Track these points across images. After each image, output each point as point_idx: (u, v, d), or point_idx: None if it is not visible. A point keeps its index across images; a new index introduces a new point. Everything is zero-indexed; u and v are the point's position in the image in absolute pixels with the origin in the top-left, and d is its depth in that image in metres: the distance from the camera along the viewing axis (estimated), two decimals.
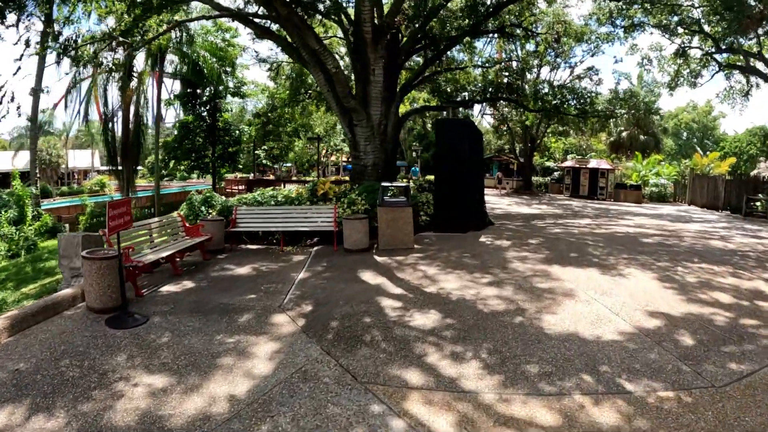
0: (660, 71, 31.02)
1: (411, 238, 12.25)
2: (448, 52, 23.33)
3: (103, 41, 16.25)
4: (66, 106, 28.32)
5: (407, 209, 12.30)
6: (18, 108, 13.25)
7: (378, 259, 10.82)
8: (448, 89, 23.94)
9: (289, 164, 60.44)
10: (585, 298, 7.74)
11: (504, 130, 37.55)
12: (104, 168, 53.50)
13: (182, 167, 33.31)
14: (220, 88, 31.81)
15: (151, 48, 25.87)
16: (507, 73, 24.39)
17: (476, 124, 26.55)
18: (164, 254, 9.45)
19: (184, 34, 28.00)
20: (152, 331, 6.42)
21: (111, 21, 17.12)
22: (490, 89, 23.23)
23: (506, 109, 36.51)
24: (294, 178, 45.66)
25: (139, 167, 37.63)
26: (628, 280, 8.89)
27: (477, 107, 33.63)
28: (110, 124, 28.33)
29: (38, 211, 26.17)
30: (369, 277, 9.35)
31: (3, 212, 22.01)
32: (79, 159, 51.05)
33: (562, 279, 8.95)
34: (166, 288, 8.56)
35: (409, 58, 21.59)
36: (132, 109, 28.45)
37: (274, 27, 18.41)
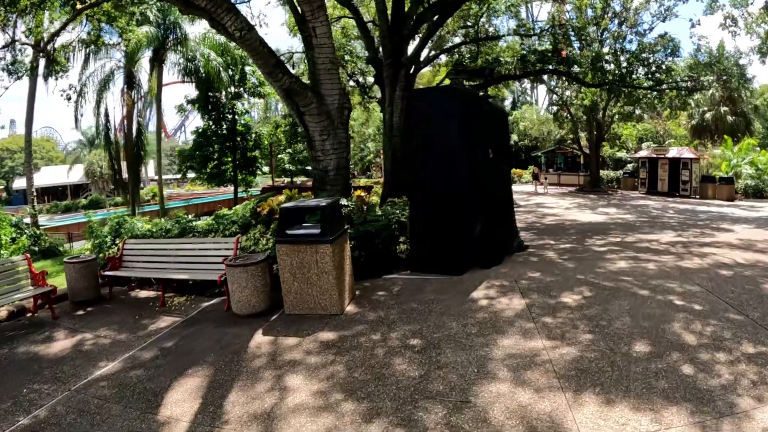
0: (748, 32, 22.48)
1: (337, 298, 6.73)
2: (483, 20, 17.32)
3: None
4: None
5: (326, 248, 6.58)
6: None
7: (259, 340, 6.04)
8: (479, 62, 17.62)
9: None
10: None
11: (565, 116, 30.11)
12: (156, 177, 51.53)
13: (203, 176, 29.03)
14: (238, 89, 27.33)
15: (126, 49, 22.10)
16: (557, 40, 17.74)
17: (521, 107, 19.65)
18: None
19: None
20: None
21: None
22: (533, 57, 16.58)
23: (568, 92, 29.34)
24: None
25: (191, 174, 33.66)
26: None
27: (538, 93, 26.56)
28: (111, 135, 24.84)
29: (33, 231, 22.99)
30: (188, 395, 4.83)
31: None
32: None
33: None
34: None
35: (420, 25, 15.69)
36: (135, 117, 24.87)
37: None
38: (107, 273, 8.79)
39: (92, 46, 20.89)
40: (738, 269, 7.87)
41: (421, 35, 16.01)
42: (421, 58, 17.81)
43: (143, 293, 8.77)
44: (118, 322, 7.17)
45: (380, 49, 15.95)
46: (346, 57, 20.59)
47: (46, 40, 16.52)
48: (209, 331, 6.41)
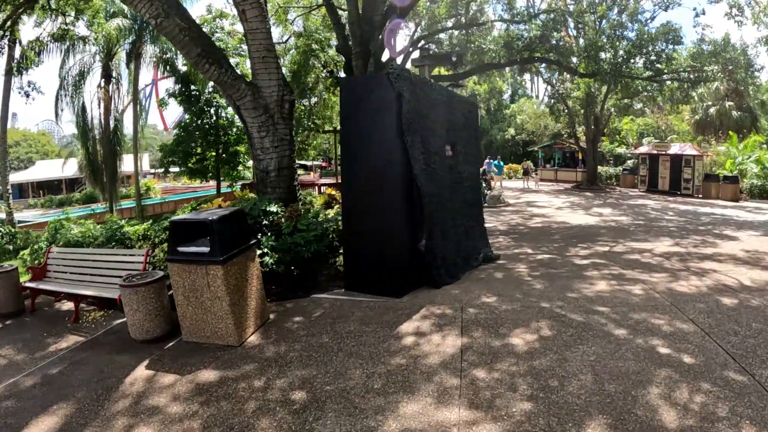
0: (755, 23, 20.38)
1: (234, 328, 5.40)
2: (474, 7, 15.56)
3: None
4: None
5: (217, 270, 5.26)
6: None
7: (138, 374, 4.88)
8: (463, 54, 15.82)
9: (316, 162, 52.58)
10: None
11: (562, 109, 28.16)
12: (153, 171, 50.10)
13: (185, 171, 27.45)
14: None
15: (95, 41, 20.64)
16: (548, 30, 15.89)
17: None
18: None
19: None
20: None
21: None
22: (519, 44, 14.77)
23: (567, 84, 27.43)
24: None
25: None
26: None
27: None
28: (88, 129, 23.37)
29: (8, 229, 21.66)
30: None
31: None
32: (128, 163, 47.54)
33: None
34: None
35: (394, 12, 13.97)
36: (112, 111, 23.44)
37: None
38: (27, 284, 7.81)
39: (65, 41, 19.64)
40: (744, 296, 6.11)
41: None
42: (398, 48, 16.14)
43: (68, 305, 7.63)
44: (25, 340, 6.34)
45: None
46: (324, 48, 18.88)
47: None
48: (99, 358, 5.36)
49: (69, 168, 39.63)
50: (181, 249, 5.52)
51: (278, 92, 8.96)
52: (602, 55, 15.67)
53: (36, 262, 9.38)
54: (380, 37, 13.18)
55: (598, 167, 29.48)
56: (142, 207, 24.72)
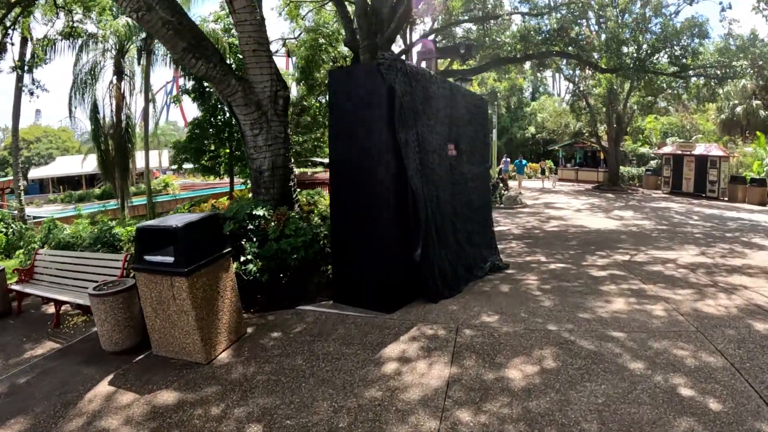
0: None
1: (201, 344, 4.88)
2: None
3: None
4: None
5: (181, 282, 4.79)
6: None
7: (99, 390, 4.50)
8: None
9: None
10: None
11: (583, 107, 27.02)
12: (173, 168, 50.06)
13: (198, 168, 27.18)
14: None
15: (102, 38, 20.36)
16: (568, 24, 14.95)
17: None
18: None
19: None
20: None
21: None
22: (536, 37, 13.89)
23: (589, 81, 26.32)
24: None
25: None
26: None
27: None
28: (100, 126, 23.14)
29: (19, 225, 21.61)
30: None
31: None
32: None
33: None
34: None
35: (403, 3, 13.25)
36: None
37: None
38: (12, 287, 7.60)
39: (74, 39, 19.41)
40: None
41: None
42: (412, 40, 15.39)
43: (53, 309, 7.14)
44: (2, 344, 6.12)
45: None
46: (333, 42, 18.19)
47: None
48: (67, 369, 5.02)
49: (88, 164, 39.76)
50: (147, 257, 5.03)
51: (271, 88, 8.36)
52: (624, 49, 14.69)
53: (29, 262, 9.06)
54: (388, 30, 12.44)
55: (620, 167, 28.27)
56: (153, 204, 24.41)
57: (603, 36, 15.29)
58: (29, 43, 18.39)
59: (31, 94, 15.57)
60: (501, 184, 21.64)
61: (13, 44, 14.79)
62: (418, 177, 5.94)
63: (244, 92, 8.22)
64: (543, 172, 30.12)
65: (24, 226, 21.34)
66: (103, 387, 4.47)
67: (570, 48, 14.25)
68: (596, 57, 15.71)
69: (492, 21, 17.32)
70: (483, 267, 7.88)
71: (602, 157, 30.64)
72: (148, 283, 4.99)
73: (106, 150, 23.68)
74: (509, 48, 14.93)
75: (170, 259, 4.87)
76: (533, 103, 47.02)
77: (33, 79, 16.65)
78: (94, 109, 23.02)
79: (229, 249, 5.62)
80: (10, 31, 14.69)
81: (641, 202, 20.59)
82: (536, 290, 6.73)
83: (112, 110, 23.42)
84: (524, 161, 28.54)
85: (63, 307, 6.97)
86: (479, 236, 8.32)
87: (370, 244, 6.03)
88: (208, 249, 5.15)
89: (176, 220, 5.20)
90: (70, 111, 23.97)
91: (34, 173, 46.10)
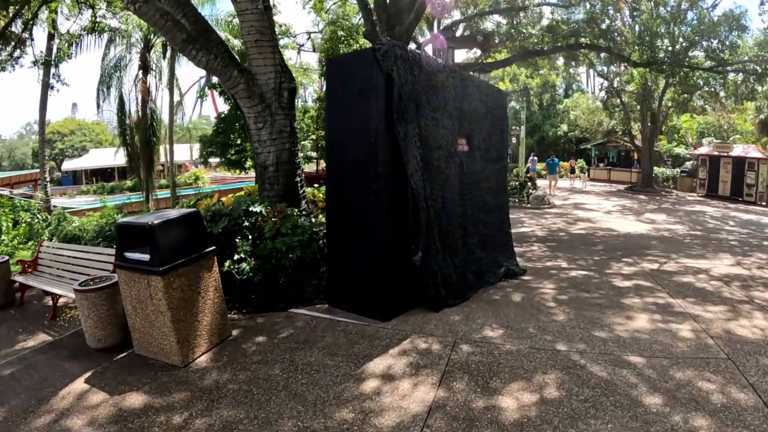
0: None
1: (177, 347, 4.62)
2: None
3: None
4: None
5: (157, 281, 4.54)
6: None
7: (74, 387, 4.37)
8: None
9: None
10: None
11: (616, 105, 25.82)
12: (200, 161, 50.60)
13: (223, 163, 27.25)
14: None
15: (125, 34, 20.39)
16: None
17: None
18: None
19: None
20: None
21: None
22: (564, 28, 13.08)
23: (622, 76, 25.13)
24: None
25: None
26: None
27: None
28: (126, 120, 23.28)
29: (44, 216, 21.97)
30: None
31: None
32: (178, 153, 48.31)
33: None
34: None
35: None
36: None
37: None
38: (14, 278, 7.56)
39: (98, 34, 19.51)
40: None
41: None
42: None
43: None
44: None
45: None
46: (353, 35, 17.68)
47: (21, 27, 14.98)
48: (51, 364, 4.94)
49: (120, 156, 40.44)
50: (127, 254, 4.78)
51: (275, 79, 7.94)
52: (658, 42, 13.71)
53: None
54: (407, 21, 11.89)
55: (654, 168, 26.98)
56: (177, 197, 24.46)
57: (636, 28, 14.33)
58: (55, 38, 18.53)
59: (51, 88, 15.59)
60: (529, 183, 20.89)
61: (32, 39, 14.82)
62: (418, 174, 5.40)
63: (246, 84, 7.84)
64: (572, 171, 28.99)
65: (49, 216, 21.66)
66: (79, 384, 4.35)
67: (600, 41, 13.37)
68: (628, 50, 14.77)
69: (521, 13, 16.57)
70: (496, 273, 7.29)
71: (636, 157, 29.36)
72: (128, 280, 4.79)
73: (132, 143, 23.85)
74: (536, 40, 14.13)
75: (147, 257, 4.61)
76: (566, 101, 45.63)
77: (53, 74, 16.72)
78: (120, 104, 23.19)
79: (212, 248, 5.25)
80: (30, 27, 14.74)
81: (675, 205, 19.51)
82: (551, 301, 6.11)
83: (137, 104, 23.55)
84: (557, 160, 26.20)
85: (62, 300, 6.90)
86: (493, 240, 7.71)
87: (366, 247, 5.53)
88: (188, 247, 4.86)
89: (154, 217, 4.92)
90: (98, 105, 24.26)
91: (68, 165, 47.17)
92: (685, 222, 14.27)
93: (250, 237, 6.86)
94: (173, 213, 5.09)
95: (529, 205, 18.94)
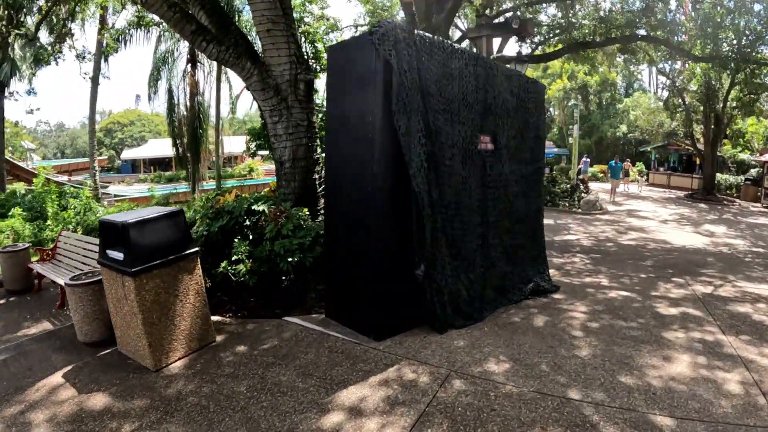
0: None
1: (149, 350, 4.37)
2: None
3: None
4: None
5: (129, 282, 4.28)
6: None
7: (48, 382, 4.28)
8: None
9: None
10: None
11: (678, 105, 23.81)
12: (261, 154, 51.37)
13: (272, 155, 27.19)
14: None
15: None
16: None
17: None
18: None
19: None
20: None
21: None
22: (619, 18, 11.84)
23: (685, 73, 23.11)
24: None
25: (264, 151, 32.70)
26: None
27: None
28: (174, 113, 23.62)
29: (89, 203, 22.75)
30: None
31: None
32: (234, 145, 49.07)
33: None
34: None
35: None
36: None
37: None
38: (30, 265, 7.75)
39: (142, 28, 19.79)
40: None
41: None
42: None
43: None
44: (6, 320, 6.27)
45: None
46: None
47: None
48: (40, 354, 4.92)
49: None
50: (109, 252, 4.58)
51: (291, 71, 7.41)
52: (722, 35, 12.21)
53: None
54: (445, 10, 11.08)
55: (717, 174, 24.74)
56: (221, 189, 24.65)
57: (698, 19, 12.84)
58: (104, 33, 18.89)
59: (95, 82, 15.88)
60: (582, 186, 19.63)
61: (73, 35, 15.12)
62: (422, 176, 4.65)
63: (260, 76, 7.40)
64: (627, 174, 27.14)
65: (94, 205, 22.24)
66: (56, 378, 4.28)
67: (658, 32, 12.02)
68: (689, 44, 13.31)
69: (577, 5, 15.34)
70: (522, 290, 6.41)
71: (698, 162, 27.12)
72: (108, 278, 4.65)
73: (180, 135, 24.18)
74: (588, 31, 12.92)
75: (120, 255, 4.40)
76: (626, 100, 43.12)
77: (85, 74, 17.20)
78: (170, 97, 23.53)
79: (194, 249, 4.82)
80: (70, 22, 15.02)
81: (737, 216, 17.66)
82: (578, 329, 5.21)
83: (186, 97, 23.81)
84: (620, 163, 23.60)
85: None
86: (523, 251, 6.83)
87: (362, 256, 4.86)
88: (165, 248, 4.53)
89: (132, 215, 4.62)
90: (149, 97, 24.78)
91: (127, 154, 48.94)
92: (746, 236, 12.73)
93: (250, 237, 6.37)
94: (151, 211, 4.79)
95: (579, 210, 17.73)
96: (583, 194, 19.09)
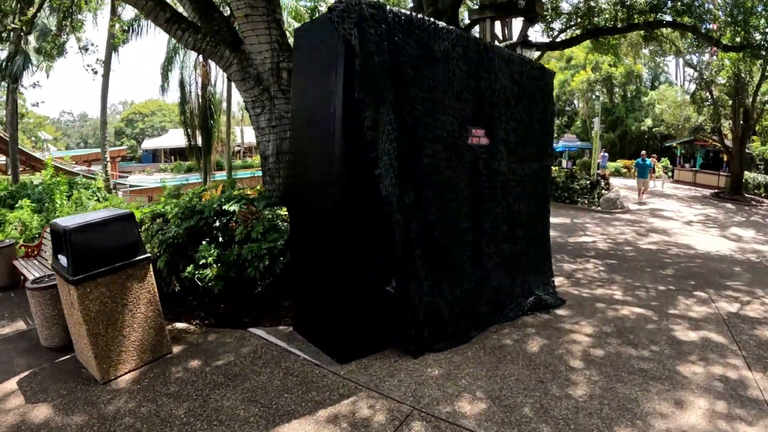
0: None
1: (95, 362, 3.98)
2: None
3: None
4: None
5: (73, 290, 3.87)
6: None
7: (1, 387, 4.02)
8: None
9: None
10: None
11: (705, 99, 22.47)
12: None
13: None
14: None
15: None
16: None
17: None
18: None
19: None
20: None
21: None
22: (641, 1, 10.86)
23: (713, 65, 21.72)
24: None
25: None
26: None
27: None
28: (186, 103, 23.32)
29: (102, 194, 22.64)
30: None
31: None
32: (248, 135, 48.72)
33: None
34: None
35: None
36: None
37: None
38: (14, 262, 7.43)
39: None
40: None
41: None
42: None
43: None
44: None
45: None
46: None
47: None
48: (8, 355, 4.67)
49: (198, 137, 41.45)
50: (59, 257, 4.26)
51: (272, 58, 6.80)
52: (753, 21, 11.13)
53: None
54: None
55: (745, 172, 23.31)
56: (233, 180, 24.32)
57: (728, 4, 11.71)
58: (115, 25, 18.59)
59: (95, 72, 15.65)
60: (603, 182, 18.64)
61: (74, 26, 14.83)
62: (390, 177, 3.94)
63: (240, 65, 6.89)
64: (653, 171, 25.93)
65: (107, 196, 22.08)
66: (11, 384, 4.07)
67: (685, 18, 10.99)
68: (718, 32, 12.24)
69: None
70: (522, 304, 5.65)
71: (725, 158, 25.66)
72: (60, 284, 4.36)
73: (192, 125, 23.91)
74: (609, 16, 11.92)
75: (64, 262, 4.08)
76: (652, 93, 41.37)
77: (97, 59, 17.13)
78: (181, 87, 23.26)
79: (145, 256, 4.30)
80: (75, 14, 14.72)
81: (765, 218, 16.46)
82: (578, 358, 4.41)
83: (198, 87, 23.47)
84: (648, 161, 20.86)
85: None
86: (525, 259, 6.03)
87: (324, 267, 4.19)
88: (112, 255, 4.12)
89: (77, 219, 4.22)
90: (163, 88, 24.59)
91: (148, 144, 49.12)
92: None
93: (220, 239, 5.77)
94: (100, 215, 4.30)
95: (598, 208, 16.75)
96: (603, 191, 18.11)
